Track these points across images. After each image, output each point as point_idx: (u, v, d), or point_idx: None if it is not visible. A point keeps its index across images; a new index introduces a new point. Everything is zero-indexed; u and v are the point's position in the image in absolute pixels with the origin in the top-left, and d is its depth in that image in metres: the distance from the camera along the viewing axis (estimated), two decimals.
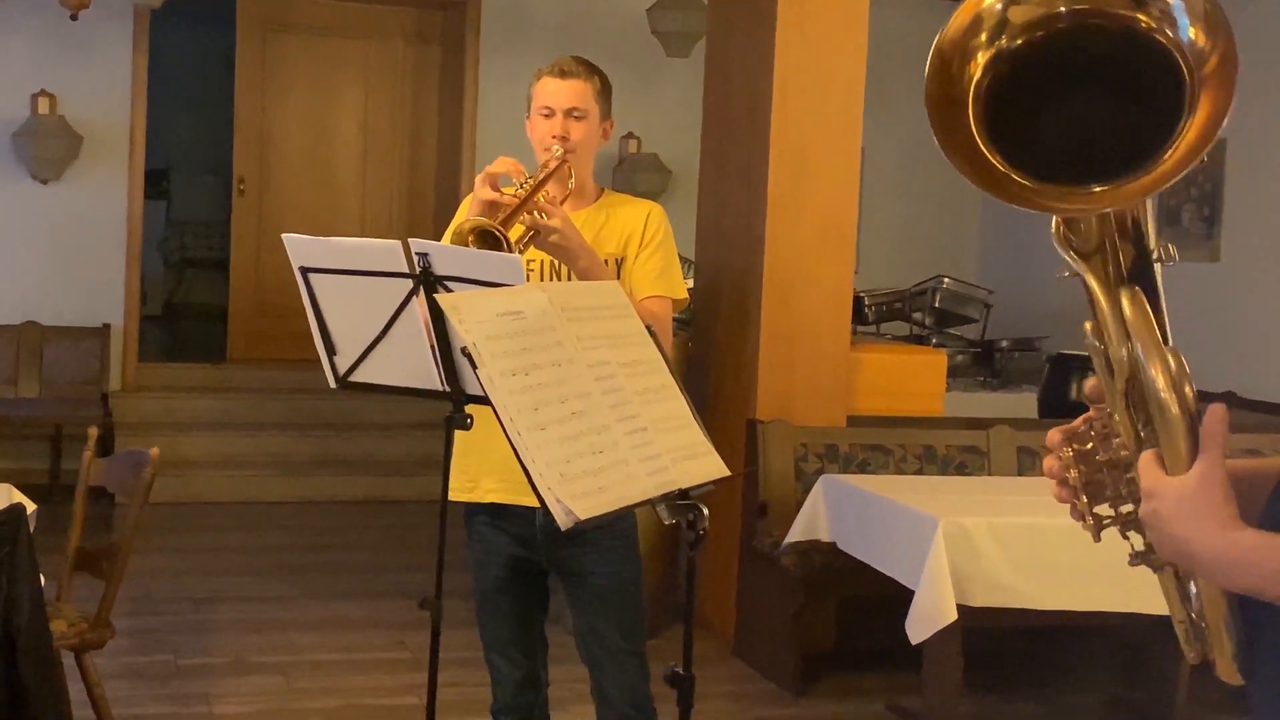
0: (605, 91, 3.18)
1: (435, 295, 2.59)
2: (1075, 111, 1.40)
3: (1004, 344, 7.77)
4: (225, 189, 10.13)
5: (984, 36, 1.37)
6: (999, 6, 1.36)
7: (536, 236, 2.91)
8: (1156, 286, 1.44)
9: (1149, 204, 1.44)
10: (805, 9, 5.32)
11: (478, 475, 3.07)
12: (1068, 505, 1.55)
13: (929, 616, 4.04)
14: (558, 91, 3.11)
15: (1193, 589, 1.49)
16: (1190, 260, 7.40)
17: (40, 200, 7.83)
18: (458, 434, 2.82)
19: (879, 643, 4.90)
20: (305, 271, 2.91)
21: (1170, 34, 1.31)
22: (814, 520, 4.68)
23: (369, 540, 6.97)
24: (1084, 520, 1.53)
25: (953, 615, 4.00)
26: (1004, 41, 1.36)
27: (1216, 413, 1.38)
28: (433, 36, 8.86)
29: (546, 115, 3.12)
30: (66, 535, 3.91)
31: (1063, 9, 1.34)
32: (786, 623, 4.89)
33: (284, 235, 2.91)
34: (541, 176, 3.01)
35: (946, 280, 7.87)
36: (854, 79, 5.40)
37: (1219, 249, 7.51)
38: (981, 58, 1.37)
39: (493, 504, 3.08)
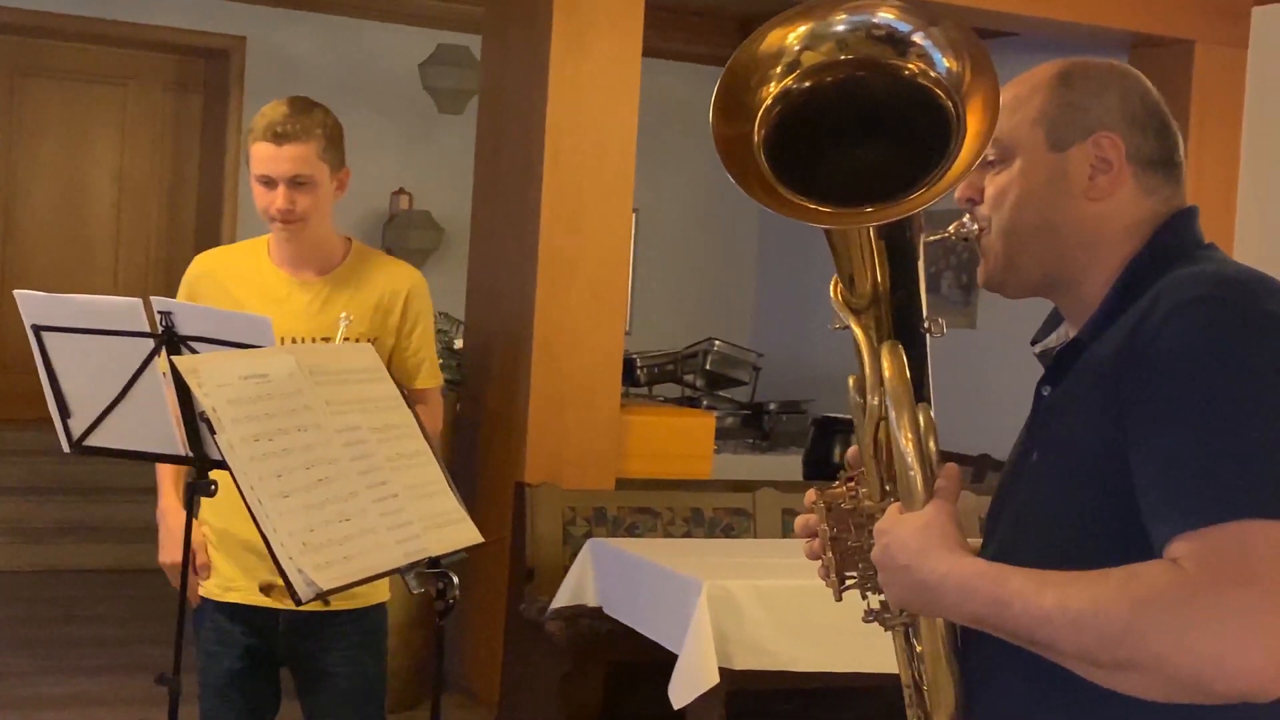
0: (333, 142, 2.83)
1: (174, 357, 2.46)
2: (854, 147, 1.54)
3: (772, 406, 7.87)
4: None
5: (779, 69, 1.51)
6: (796, 47, 1.50)
7: None
8: (925, 353, 1.60)
9: (922, 276, 1.60)
10: (578, 70, 5.32)
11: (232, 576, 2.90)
12: (818, 563, 1.63)
13: (692, 680, 4.00)
14: (274, 159, 2.78)
15: (917, 648, 1.56)
16: (949, 326, 7.62)
17: None
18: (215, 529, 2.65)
19: (646, 708, 4.83)
20: (38, 329, 2.75)
21: (931, 73, 1.47)
22: (581, 585, 4.61)
23: (114, 612, 6.63)
24: (828, 577, 1.62)
25: (715, 679, 3.96)
26: (792, 81, 1.50)
27: (950, 471, 1.51)
28: (195, 85, 8.58)
29: (266, 184, 2.81)
30: None
31: (843, 57, 1.50)
32: (553, 689, 4.80)
33: (15, 292, 2.76)
34: None
35: (717, 343, 7.95)
36: (626, 140, 5.42)
37: (975, 316, 7.77)
38: (774, 87, 1.50)
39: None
